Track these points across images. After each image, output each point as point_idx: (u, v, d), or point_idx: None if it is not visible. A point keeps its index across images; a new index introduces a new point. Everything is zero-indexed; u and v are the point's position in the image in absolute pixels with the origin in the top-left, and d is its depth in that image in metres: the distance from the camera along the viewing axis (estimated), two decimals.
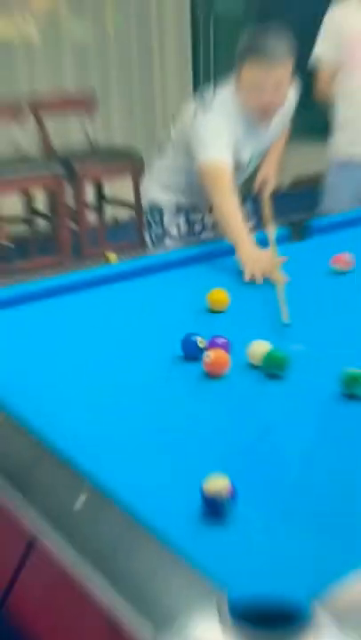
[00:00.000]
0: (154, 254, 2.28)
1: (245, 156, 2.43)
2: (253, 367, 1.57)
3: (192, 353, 1.60)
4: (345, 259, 2.10)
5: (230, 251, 2.25)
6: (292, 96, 2.53)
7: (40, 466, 1.20)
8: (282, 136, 2.77)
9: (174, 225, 2.57)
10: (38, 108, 4.51)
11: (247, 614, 0.91)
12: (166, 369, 1.60)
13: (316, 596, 0.90)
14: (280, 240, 2.35)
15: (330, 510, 1.12)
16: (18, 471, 1.20)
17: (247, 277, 1.98)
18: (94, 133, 4.70)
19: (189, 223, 2.58)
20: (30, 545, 1.13)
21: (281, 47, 2.22)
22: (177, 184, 2.51)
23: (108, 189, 4.65)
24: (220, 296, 1.89)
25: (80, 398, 1.48)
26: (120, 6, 5.17)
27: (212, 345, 1.59)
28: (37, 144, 4.61)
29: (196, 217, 2.61)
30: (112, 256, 2.16)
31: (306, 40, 3.19)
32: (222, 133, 2.23)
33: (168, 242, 2.56)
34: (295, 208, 2.75)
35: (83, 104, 4.68)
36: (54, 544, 1.04)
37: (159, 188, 2.56)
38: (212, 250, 2.28)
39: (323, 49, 3.10)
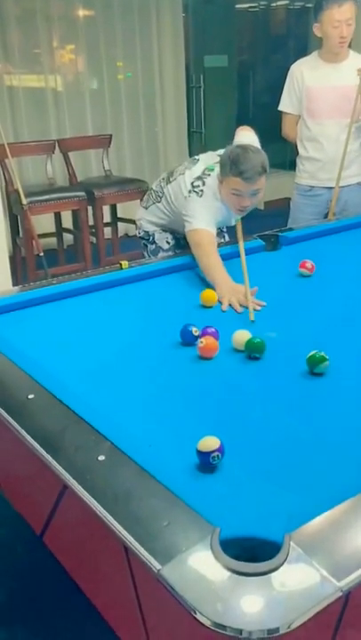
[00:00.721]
0: (157, 262, 2.26)
1: (224, 225, 2.42)
2: (237, 351, 1.57)
3: (188, 340, 1.60)
4: (308, 265, 2.09)
5: (221, 258, 2.24)
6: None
7: (69, 429, 1.20)
8: None
9: (164, 240, 2.54)
10: (65, 147, 4.50)
11: (234, 546, 0.91)
12: (167, 352, 1.60)
13: (288, 531, 0.91)
14: (257, 250, 2.35)
15: (298, 463, 1.13)
16: (52, 434, 1.20)
17: (224, 308, 1.92)
18: (109, 166, 4.68)
19: (176, 239, 2.53)
20: (62, 490, 1.13)
21: (258, 167, 2.06)
22: (166, 223, 2.48)
23: (121, 210, 4.64)
24: (209, 295, 1.90)
25: (98, 376, 1.47)
26: (128, 62, 5.13)
27: (204, 333, 1.59)
28: (65, 175, 4.59)
29: (180, 234, 2.49)
30: (125, 263, 2.15)
31: (277, 85, 3.17)
32: (209, 212, 2.19)
33: (162, 254, 2.52)
34: (268, 224, 2.73)
35: (100, 142, 4.66)
36: (80, 490, 1.04)
37: (151, 224, 2.52)
38: None
39: (285, 102, 3.03)
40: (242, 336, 1.57)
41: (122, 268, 2.13)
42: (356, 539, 0.91)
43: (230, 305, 1.91)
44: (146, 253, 2.57)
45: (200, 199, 2.21)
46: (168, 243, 2.54)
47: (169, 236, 2.54)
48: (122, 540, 0.94)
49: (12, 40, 4.60)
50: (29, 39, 4.70)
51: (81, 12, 4.90)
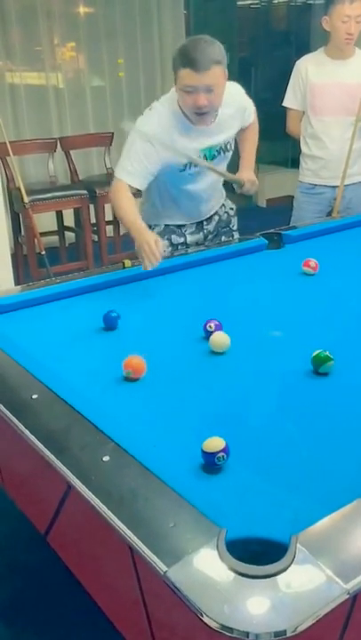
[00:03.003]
0: (161, 261, 2.25)
1: (192, 150, 2.17)
2: (215, 353, 1.54)
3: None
4: (312, 264, 2.08)
5: (224, 256, 2.25)
6: (238, 93, 2.31)
7: (73, 429, 1.20)
8: (251, 137, 2.50)
9: None
10: (67, 145, 4.49)
11: (241, 548, 0.91)
12: (171, 352, 1.59)
13: (294, 532, 0.91)
14: (260, 249, 2.35)
15: (304, 464, 1.12)
16: (56, 434, 1.20)
17: (140, 255, 1.97)
18: (111, 164, 4.67)
19: (173, 244, 2.43)
20: (67, 491, 1.13)
21: (209, 55, 1.93)
22: (159, 206, 2.36)
23: None
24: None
25: (101, 375, 1.46)
26: (130, 60, 5.12)
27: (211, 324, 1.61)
28: (66, 173, 4.59)
29: (178, 238, 2.44)
30: (127, 262, 2.15)
31: (279, 82, 3.17)
32: (134, 157, 2.09)
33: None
34: (270, 222, 2.73)
35: (102, 140, 4.65)
36: (86, 490, 1.04)
37: (147, 217, 2.36)
38: (203, 257, 2.26)
39: (289, 97, 3.02)
40: (221, 339, 1.55)
41: (125, 267, 2.13)
42: None
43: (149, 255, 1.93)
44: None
45: (133, 136, 2.12)
46: (164, 250, 2.44)
47: (165, 243, 2.46)
48: (127, 542, 0.94)
49: (14, 37, 4.59)
50: (30, 37, 4.69)
51: (82, 10, 4.89)
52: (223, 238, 2.53)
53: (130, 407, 1.32)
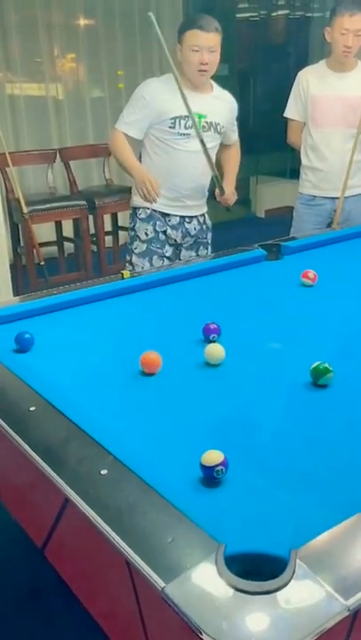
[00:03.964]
0: (158, 272, 2.26)
1: (183, 111, 2.45)
2: (212, 365, 1.54)
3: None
4: (310, 275, 2.08)
5: (222, 267, 2.25)
6: (233, 101, 2.71)
7: (71, 442, 1.19)
8: (234, 156, 2.85)
9: (143, 231, 2.66)
10: (66, 156, 4.51)
11: (240, 563, 0.90)
12: (170, 363, 1.57)
13: (294, 547, 0.90)
14: (258, 260, 2.35)
15: (304, 477, 1.11)
16: (54, 447, 1.19)
17: (141, 192, 2.43)
18: (110, 175, 4.69)
19: (156, 231, 2.66)
20: (64, 504, 1.12)
21: (212, 22, 2.42)
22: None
23: (122, 219, 4.64)
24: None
25: (100, 387, 1.46)
26: (129, 71, 5.15)
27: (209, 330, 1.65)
28: (66, 184, 4.60)
29: (161, 227, 2.68)
30: (126, 273, 2.15)
31: (278, 94, 3.18)
32: (131, 110, 2.54)
33: (137, 243, 2.68)
34: (269, 233, 2.74)
35: (101, 151, 4.67)
36: (83, 504, 1.03)
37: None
38: (202, 268, 2.27)
39: (290, 108, 3.04)
40: (215, 350, 1.55)
41: (123, 278, 2.13)
42: None
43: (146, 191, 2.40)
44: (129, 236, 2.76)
45: (140, 87, 2.56)
46: (146, 235, 2.67)
47: (149, 228, 2.65)
48: (125, 556, 0.93)
49: (14, 49, 4.62)
50: (30, 48, 4.72)
51: (82, 21, 4.93)
52: (201, 249, 2.79)
53: (128, 419, 1.31)
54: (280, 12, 6.70)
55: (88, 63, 5.02)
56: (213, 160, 2.62)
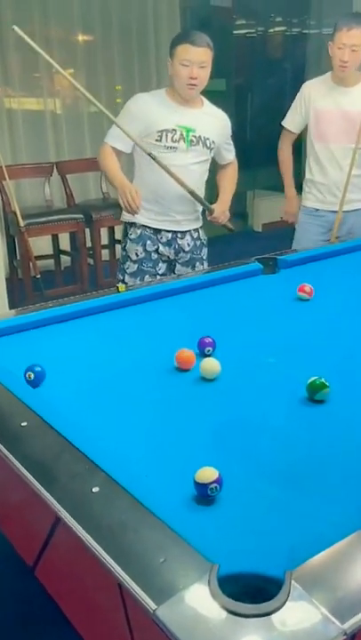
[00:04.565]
0: (153, 285, 2.25)
1: (172, 122, 2.52)
2: (207, 380, 1.52)
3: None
4: (307, 289, 2.07)
5: (219, 281, 2.24)
6: (226, 118, 2.71)
7: (63, 458, 1.17)
8: (230, 175, 2.84)
9: (133, 252, 2.65)
10: (63, 169, 4.52)
11: (233, 584, 0.88)
12: (164, 378, 1.56)
13: (289, 568, 0.88)
14: (255, 273, 2.34)
15: (299, 496, 1.09)
16: (45, 464, 1.17)
17: (122, 202, 2.45)
18: (107, 188, 4.70)
19: (147, 251, 2.64)
20: (56, 522, 1.09)
21: (203, 37, 2.43)
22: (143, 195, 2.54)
23: (119, 232, 4.64)
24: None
25: (93, 402, 1.44)
26: (127, 86, 5.18)
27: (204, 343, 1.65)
28: (63, 197, 4.61)
29: (152, 246, 2.65)
30: (122, 287, 2.14)
31: (274, 109, 3.19)
32: (123, 123, 2.51)
33: (129, 264, 2.67)
34: (267, 247, 2.73)
35: (97, 165, 4.64)
36: (74, 523, 1.01)
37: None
38: (198, 281, 2.26)
39: (288, 118, 3.03)
40: (210, 365, 1.53)
41: (119, 292, 2.11)
42: None
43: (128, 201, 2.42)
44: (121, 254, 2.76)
45: (127, 104, 2.60)
46: (137, 255, 2.66)
47: (139, 249, 2.64)
48: (116, 577, 0.90)
49: (12, 64, 4.65)
50: (28, 63, 4.74)
51: (80, 37, 4.96)
52: (196, 265, 2.75)
53: (121, 435, 1.29)
54: (277, 29, 6.77)
55: (86, 78, 5.04)
56: (204, 178, 2.68)
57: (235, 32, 6.47)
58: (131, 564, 0.91)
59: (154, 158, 2.45)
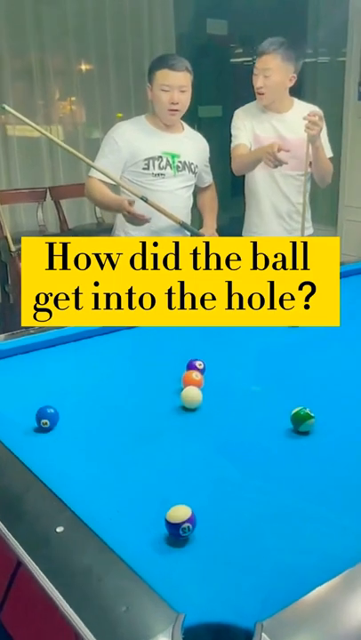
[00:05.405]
0: None
1: (157, 150, 2.52)
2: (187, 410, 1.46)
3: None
4: None
5: None
6: (205, 142, 2.74)
7: (28, 495, 1.11)
8: (210, 201, 2.86)
9: None
10: (56, 194, 4.52)
11: (200, 635, 0.81)
12: (141, 408, 1.49)
13: (259, 619, 0.81)
14: None
15: (277, 538, 1.01)
16: (8, 500, 1.10)
17: (131, 216, 2.36)
18: (102, 213, 4.69)
19: None
20: (18, 565, 1.03)
21: (182, 61, 2.43)
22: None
23: None
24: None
25: (63, 434, 1.36)
26: (123, 113, 5.20)
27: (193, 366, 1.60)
28: (56, 222, 4.60)
29: None
30: None
31: None
32: (107, 154, 2.51)
33: None
34: None
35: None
36: (34, 566, 0.94)
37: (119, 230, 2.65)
38: None
39: (241, 135, 2.72)
40: (192, 394, 1.47)
41: None
42: (337, 629, 0.81)
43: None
44: None
45: (107, 138, 2.55)
46: None
47: None
48: (74, 628, 0.83)
49: (8, 92, 4.67)
50: (25, 91, 4.78)
51: (76, 66, 5.00)
52: None
53: (92, 469, 1.22)
54: None
55: (83, 106, 5.08)
56: (191, 202, 2.70)
57: (232, 60, 6.54)
58: (91, 613, 0.84)
59: (146, 200, 2.43)
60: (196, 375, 1.54)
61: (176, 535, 1.00)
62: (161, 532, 1.02)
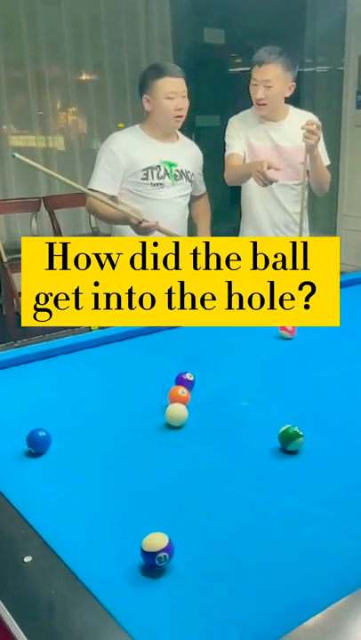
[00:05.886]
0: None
1: (154, 159, 2.50)
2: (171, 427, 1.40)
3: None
4: (289, 327, 1.96)
5: None
6: (199, 152, 2.73)
7: None
8: (203, 212, 2.83)
9: None
10: (50, 204, 4.49)
11: None
12: (119, 428, 1.41)
13: None
14: None
15: (261, 568, 0.95)
16: None
17: (140, 226, 2.34)
18: (96, 223, 4.65)
19: None
20: None
21: (177, 67, 2.46)
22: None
23: None
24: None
25: (35, 455, 1.29)
26: (121, 121, 5.17)
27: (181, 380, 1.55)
28: (51, 231, 4.57)
29: None
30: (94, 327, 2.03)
31: None
32: (101, 167, 2.49)
33: None
34: None
35: (86, 199, 4.64)
36: None
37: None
38: None
39: (234, 144, 2.67)
40: (176, 412, 1.41)
41: (91, 330, 2.01)
42: None
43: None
44: None
45: (104, 147, 2.52)
46: None
47: None
48: None
49: (3, 102, 4.65)
50: (21, 103, 4.75)
51: (72, 76, 4.98)
52: None
53: (64, 493, 1.15)
54: None
55: (79, 115, 5.06)
56: (187, 211, 2.66)
57: (230, 70, 6.52)
58: None
59: (141, 222, 2.40)
60: (182, 392, 1.48)
61: (152, 565, 0.94)
62: (136, 561, 0.95)
